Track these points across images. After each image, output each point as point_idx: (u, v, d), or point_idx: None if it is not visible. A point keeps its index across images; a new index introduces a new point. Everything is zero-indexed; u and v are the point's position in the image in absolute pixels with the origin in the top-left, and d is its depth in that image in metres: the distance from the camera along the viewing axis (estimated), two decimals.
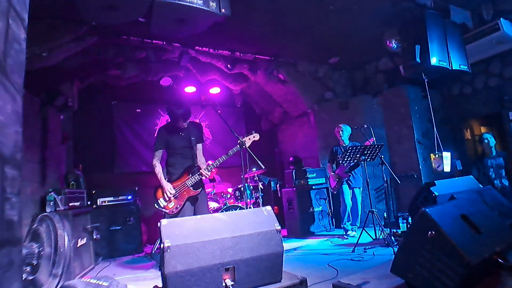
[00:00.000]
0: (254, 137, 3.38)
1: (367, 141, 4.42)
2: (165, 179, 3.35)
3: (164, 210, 3.26)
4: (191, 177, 3.30)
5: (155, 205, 3.29)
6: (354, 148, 4.21)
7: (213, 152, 7.02)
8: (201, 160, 3.51)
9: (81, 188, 4.45)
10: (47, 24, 3.64)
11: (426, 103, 5.62)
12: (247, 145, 3.33)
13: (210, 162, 3.53)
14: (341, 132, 4.96)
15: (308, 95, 6.41)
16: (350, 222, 4.86)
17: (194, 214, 3.31)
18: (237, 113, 7.83)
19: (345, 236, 4.75)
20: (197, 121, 7.16)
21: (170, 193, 3.23)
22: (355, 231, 4.79)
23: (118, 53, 4.72)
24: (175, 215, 3.21)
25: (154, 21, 3.00)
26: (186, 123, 3.39)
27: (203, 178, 3.35)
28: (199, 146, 3.54)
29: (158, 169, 3.33)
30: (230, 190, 5.50)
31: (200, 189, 3.36)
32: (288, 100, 6.81)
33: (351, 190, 4.87)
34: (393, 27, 4.66)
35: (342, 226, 4.90)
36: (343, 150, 4.66)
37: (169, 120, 3.51)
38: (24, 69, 0.81)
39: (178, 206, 3.25)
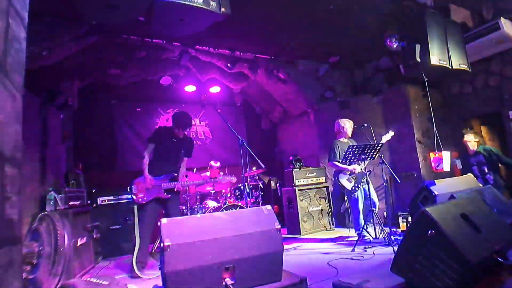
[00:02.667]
0: (232, 179, 3.96)
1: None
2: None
3: (133, 196, 3.50)
4: (168, 183, 3.58)
5: (128, 188, 3.55)
6: (356, 147, 4.13)
7: (213, 151, 7.03)
8: (182, 171, 3.84)
9: (81, 187, 4.45)
10: (47, 23, 3.64)
11: (426, 102, 5.63)
12: (224, 181, 3.90)
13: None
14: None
15: (308, 94, 6.40)
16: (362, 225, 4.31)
17: (165, 215, 3.58)
18: (237, 112, 7.82)
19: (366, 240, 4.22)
20: (199, 124, 7.16)
21: (150, 184, 3.51)
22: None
23: (118, 52, 4.72)
24: (139, 205, 3.51)
25: (154, 20, 2.99)
26: (183, 132, 3.74)
27: (175, 188, 3.65)
28: (185, 159, 3.88)
29: (146, 161, 3.64)
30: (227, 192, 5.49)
31: (170, 195, 3.62)
32: (288, 99, 6.81)
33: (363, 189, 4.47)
34: (393, 26, 4.65)
35: (357, 232, 4.30)
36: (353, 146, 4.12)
37: (171, 125, 3.81)
38: (24, 68, 0.81)
39: (145, 199, 3.51)
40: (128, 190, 3.53)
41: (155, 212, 3.60)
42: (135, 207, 3.51)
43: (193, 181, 3.87)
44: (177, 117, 3.77)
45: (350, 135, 4.77)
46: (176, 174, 3.70)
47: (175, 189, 3.63)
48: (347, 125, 4.73)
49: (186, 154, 3.82)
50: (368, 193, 4.32)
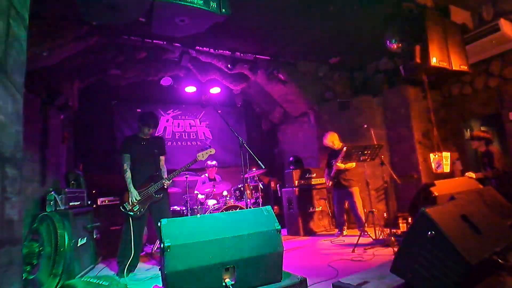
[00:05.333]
0: (210, 151, 3.84)
1: None
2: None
3: (129, 213, 3.50)
4: (153, 184, 3.60)
5: (121, 208, 3.53)
6: (355, 148, 4.20)
7: None
8: (163, 170, 3.86)
9: (81, 188, 4.44)
10: (47, 24, 3.64)
11: (426, 103, 5.63)
12: (204, 158, 3.79)
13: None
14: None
15: (308, 95, 6.41)
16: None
17: (157, 214, 3.61)
18: (237, 113, 7.82)
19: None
20: (200, 125, 7.16)
21: (136, 199, 3.52)
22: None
23: (118, 53, 4.72)
24: (140, 217, 3.55)
25: (155, 21, 3.00)
26: (149, 132, 3.77)
27: (165, 186, 3.68)
28: (162, 158, 3.90)
29: (128, 175, 3.62)
30: (225, 193, 5.49)
31: (161, 194, 3.66)
32: (288, 100, 6.81)
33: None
34: (393, 27, 4.65)
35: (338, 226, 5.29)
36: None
37: (141, 127, 3.77)
38: (25, 69, 0.81)
39: (142, 209, 3.56)
40: (122, 209, 3.52)
41: (146, 217, 3.69)
42: (130, 219, 3.51)
43: (178, 170, 3.79)
44: (144, 116, 3.77)
45: (336, 146, 5.12)
46: (157, 173, 3.73)
47: (165, 186, 3.67)
48: (329, 139, 5.14)
49: (160, 152, 3.85)
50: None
